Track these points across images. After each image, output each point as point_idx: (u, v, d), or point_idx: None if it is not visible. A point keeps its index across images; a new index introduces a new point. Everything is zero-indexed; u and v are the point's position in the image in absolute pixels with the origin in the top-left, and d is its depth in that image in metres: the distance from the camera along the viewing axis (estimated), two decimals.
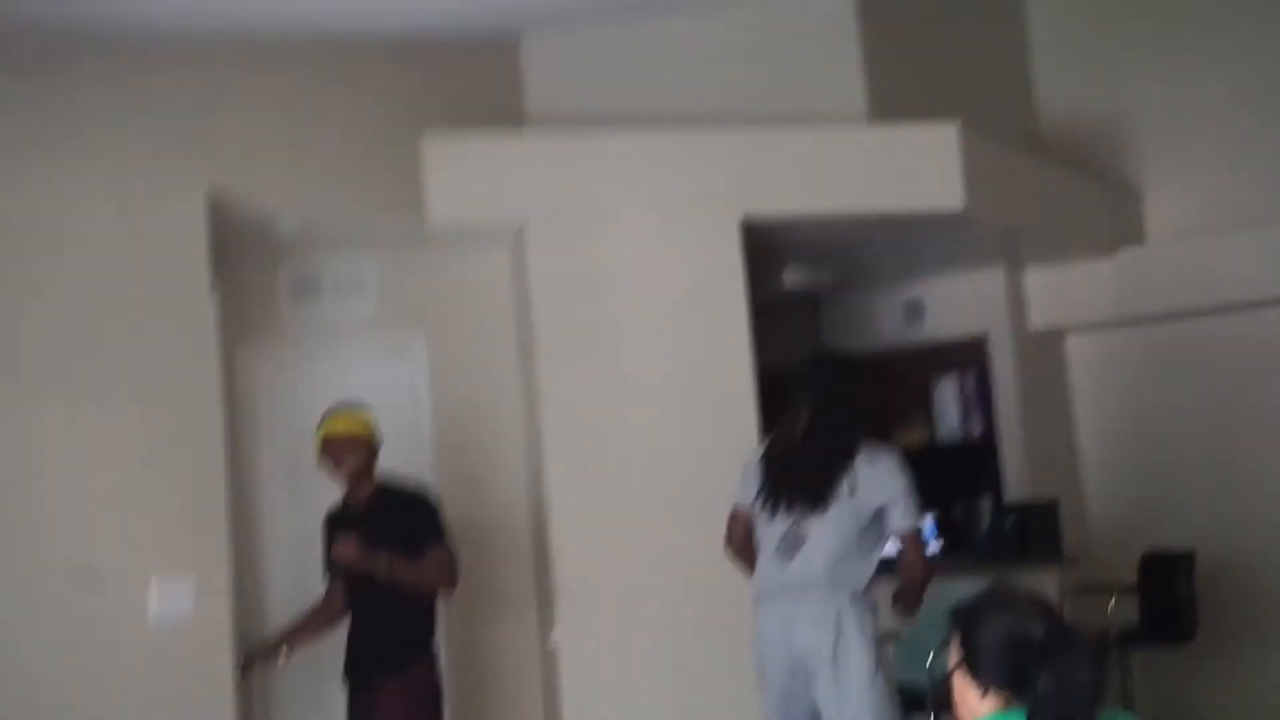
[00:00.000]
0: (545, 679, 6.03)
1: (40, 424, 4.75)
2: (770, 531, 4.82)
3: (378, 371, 6.20)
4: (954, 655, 2.80)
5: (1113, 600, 6.78)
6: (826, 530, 4.74)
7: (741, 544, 4.97)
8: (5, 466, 4.67)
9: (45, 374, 4.80)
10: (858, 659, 4.68)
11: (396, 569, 4.96)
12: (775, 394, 7.84)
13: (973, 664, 2.74)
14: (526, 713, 6.09)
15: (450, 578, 5.09)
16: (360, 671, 5.08)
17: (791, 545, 4.77)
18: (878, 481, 4.80)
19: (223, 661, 5.02)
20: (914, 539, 4.84)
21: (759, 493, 4.87)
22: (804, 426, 4.87)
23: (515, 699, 6.10)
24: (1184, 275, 7.45)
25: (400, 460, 5.44)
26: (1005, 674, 2.69)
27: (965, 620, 2.79)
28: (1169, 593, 6.88)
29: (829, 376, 4.98)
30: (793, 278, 7.30)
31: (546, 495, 5.91)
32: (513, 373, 6.24)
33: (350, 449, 5.11)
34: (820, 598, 4.71)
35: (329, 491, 5.28)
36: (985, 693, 2.72)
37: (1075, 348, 7.99)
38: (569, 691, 5.79)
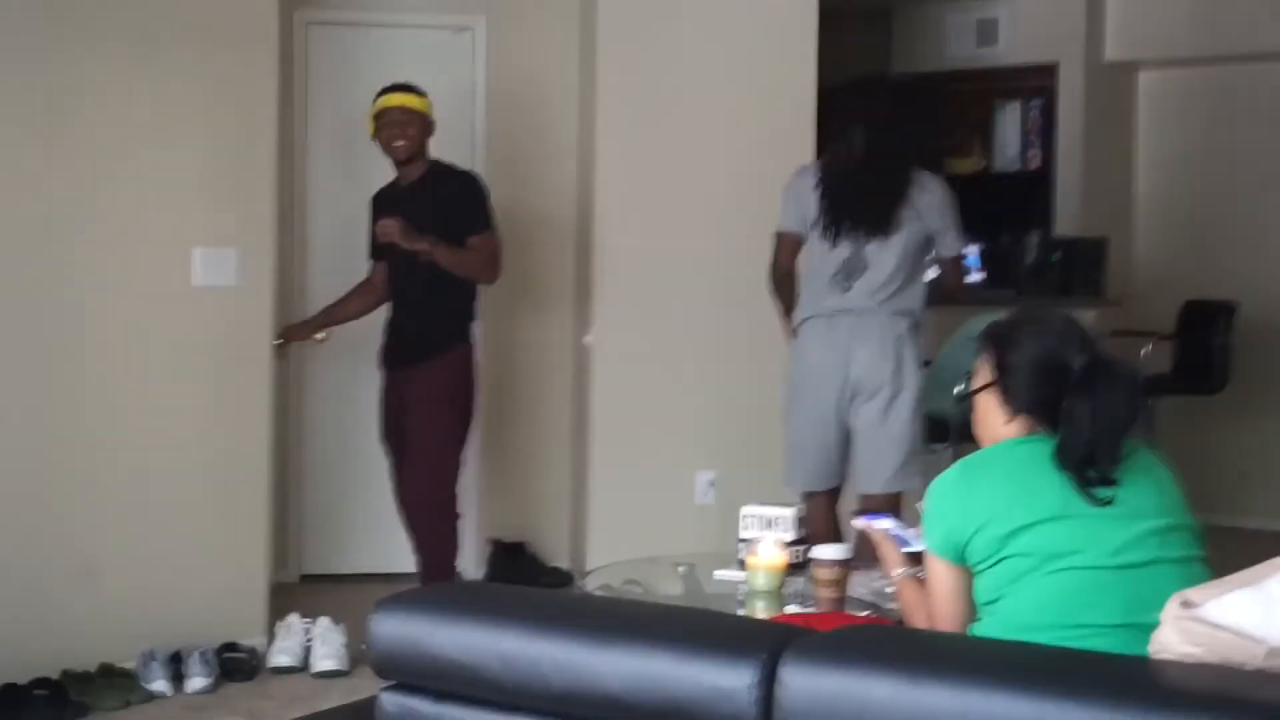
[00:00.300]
0: (577, 374, 6.13)
1: (93, 79, 4.71)
2: (830, 257, 4.84)
3: (437, 53, 6.11)
4: (983, 375, 2.79)
5: (1150, 345, 6.79)
6: (889, 256, 4.81)
7: (790, 269, 4.97)
8: (56, 120, 4.65)
9: (98, 25, 4.73)
10: (910, 386, 4.84)
11: (439, 252, 4.96)
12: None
13: (1004, 386, 2.73)
14: (556, 405, 6.20)
15: (493, 266, 5.10)
16: (398, 353, 5.16)
17: (853, 271, 4.81)
18: (931, 207, 4.87)
19: (263, 329, 5.09)
20: (956, 264, 5.04)
21: (818, 218, 4.85)
22: (860, 151, 4.85)
23: (546, 390, 6.21)
24: (1275, 11, 7.17)
25: (451, 148, 5.41)
26: (1039, 398, 2.68)
27: (999, 340, 2.77)
28: (1206, 342, 6.89)
29: (885, 100, 4.97)
30: None
31: (594, 195, 5.90)
32: (572, 69, 6.14)
33: (407, 122, 5.06)
34: (884, 323, 4.81)
35: (380, 173, 5.26)
36: (1013, 416, 2.73)
37: (1147, 84, 7.79)
38: (598, 388, 5.89)
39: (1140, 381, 2.68)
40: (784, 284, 5.00)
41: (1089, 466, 2.59)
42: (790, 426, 5.01)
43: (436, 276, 5.01)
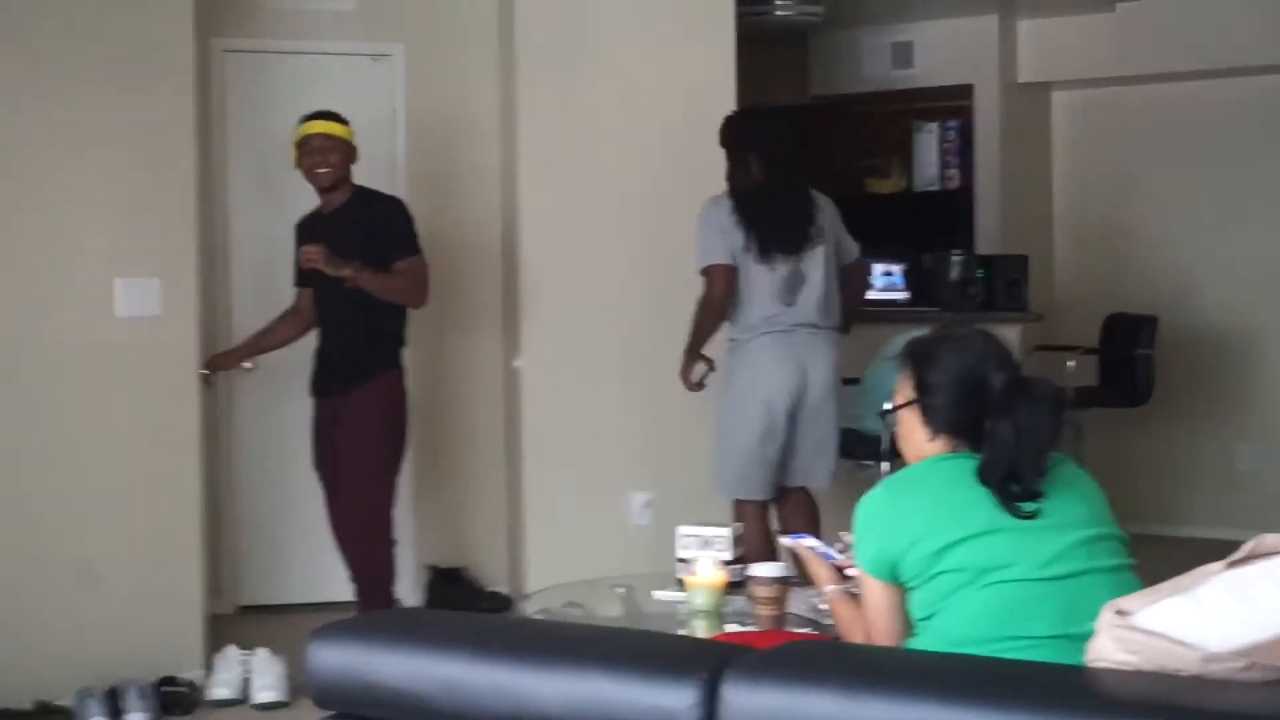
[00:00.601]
0: (508, 397, 6.12)
1: (9, 106, 4.66)
2: (770, 277, 5.09)
3: (356, 81, 6.09)
4: (904, 392, 2.80)
5: (1074, 359, 6.87)
6: (819, 268, 5.15)
7: (730, 298, 5.14)
8: None
9: (15, 53, 4.68)
10: (838, 393, 5.20)
11: (364, 277, 4.93)
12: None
13: (924, 405, 2.74)
14: (488, 428, 6.19)
15: (421, 289, 5.08)
16: (328, 380, 5.13)
17: (794, 286, 5.11)
18: (830, 219, 5.27)
19: (188, 358, 5.05)
20: (860, 268, 5.49)
21: (749, 242, 5.07)
22: (760, 176, 5.13)
23: (479, 414, 6.20)
24: (1182, 34, 7.31)
25: (372, 174, 5.39)
26: (961, 417, 2.70)
27: (919, 359, 2.77)
28: (1129, 355, 6.98)
29: (777, 128, 5.35)
30: (783, 4, 7.16)
31: (518, 218, 5.90)
32: (492, 93, 6.14)
33: (329, 149, 5.04)
34: (826, 334, 5.15)
35: (303, 200, 5.24)
36: (934, 435, 2.74)
37: (1060, 103, 7.91)
38: (529, 411, 5.89)
39: (1063, 398, 2.70)
40: (723, 315, 5.16)
41: (1013, 482, 2.61)
42: (732, 436, 5.15)
43: (363, 302, 4.98)
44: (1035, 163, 7.83)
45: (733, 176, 5.21)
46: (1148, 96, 7.64)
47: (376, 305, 5.01)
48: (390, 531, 5.07)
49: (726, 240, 5.08)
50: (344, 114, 5.16)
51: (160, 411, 4.97)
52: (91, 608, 4.76)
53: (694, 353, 5.18)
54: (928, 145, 7.97)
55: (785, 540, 3.20)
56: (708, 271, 5.12)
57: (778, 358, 5.08)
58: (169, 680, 4.79)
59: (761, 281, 5.09)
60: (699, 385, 5.23)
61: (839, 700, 1.99)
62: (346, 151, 5.08)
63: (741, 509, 5.15)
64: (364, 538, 5.03)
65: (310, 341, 5.25)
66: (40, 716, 4.49)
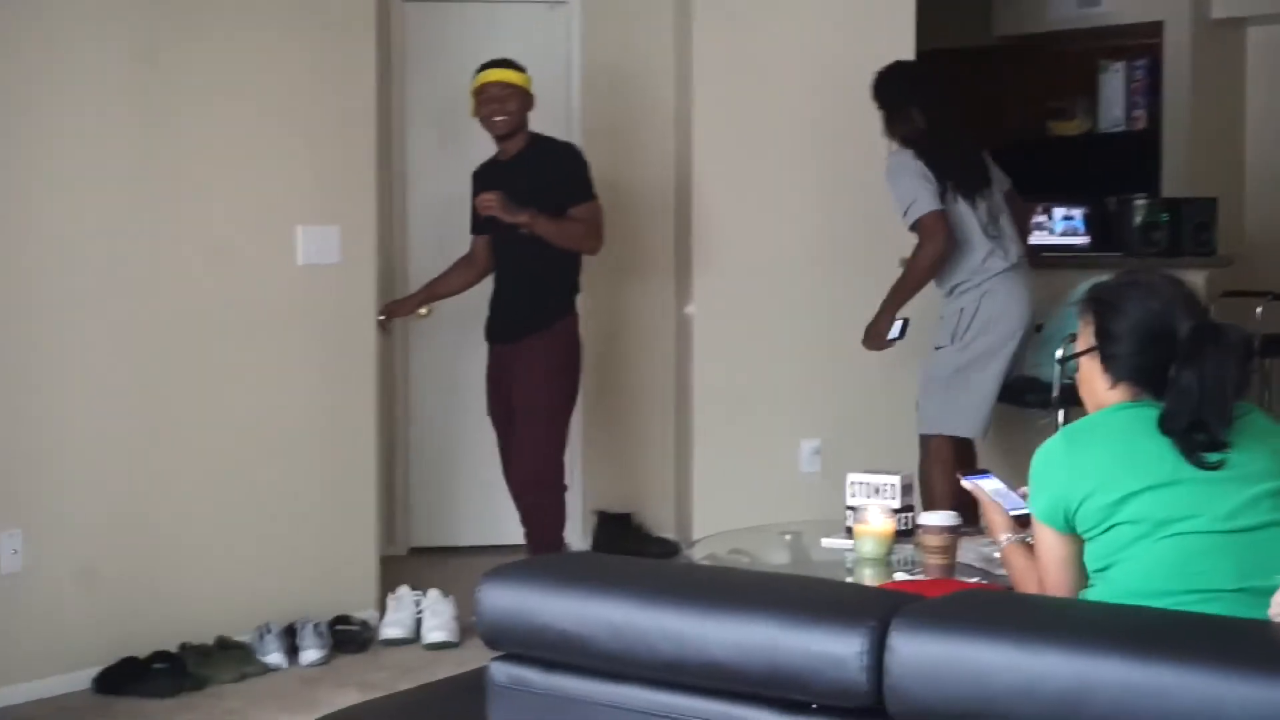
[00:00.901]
0: (679, 345, 6.12)
1: (197, 63, 4.77)
2: (975, 216, 5.17)
3: (532, 29, 6.11)
4: (1084, 339, 2.74)
5: (1261, 306, 6.65)
6: (1000, 203, 5.27)
7: (954, 244, 5.17)
8: (161, 102, 4.71)
9: (202, 11, 4.78)
10: None
11: (540, 224, 4.97)
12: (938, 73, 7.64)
13: (1105, 353, 2.67)
14: (659, 376, 6.21)
15: (596, 235, 5.11)
16: (503, 326, 5.19)
17: (995, 222, 5.21)
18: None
19: (366, 305, 5.15)
20: (1016, 194, 5.50)
21: (949, 186, 5.12)
22: (924, 125, 5.18)
23: (650, 362, 6.22)
24: None
25: (548, 123, 5.42)
26: (1142, 366, 2.63)
27: (1103, 305, 2.70)
28: None
29: (931, 75, 5.47)
30: None
31: (693, 167, 5.89)
32: (667, 42, 6.12)
33: (506, 97, 5.08)
34: (1027, 268, 5.29)
35: (481, 149, 5.28)
36: (1115, 384, 2.68)
37: (1256, 39, 7.61)
38: (700, 358, 5.89)
39: (1252, 345, 2.61)
40: (941, 265, 5.20)
41: (1197, 432, 2.54)
42: (984, 376, 5.20)
43: (539, 249, 5.02)
44: (1227, 102, 7.57)
45: (897, 130, 5.21)
46: None
47: (552, 252, 5.04)
48: (561, 477, 5.12)
49: (931, 186, 5.07)
50: (521, 62, 5.18)
51: (339, 358, 5.07)
52: (271, 548, 4.90)
53: (893, 309, 5.15)
54: (1114, 85, 7.77)
55: (965, 481, 3.13)
56: (923, 222, 5.08)
57: (1013, 295, 5.16)
58: (343, 619, 4.92)
59: (972, 222, 5.14)
60: (890, 343, 5.17)
61: (1009, 651, 1.96)
62: (523, 99, 5.11)
63: (945, 448, 5.18)
64: (536, 483, 5.08)
65: (486, 288, 5.31)
66: (220, 651, 4.64)
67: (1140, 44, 7.68)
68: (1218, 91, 7.51)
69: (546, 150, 5.14)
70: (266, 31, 4.90)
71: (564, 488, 5.14)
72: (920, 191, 5.07)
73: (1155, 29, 7.48)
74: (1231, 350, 2.55)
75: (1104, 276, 2.93)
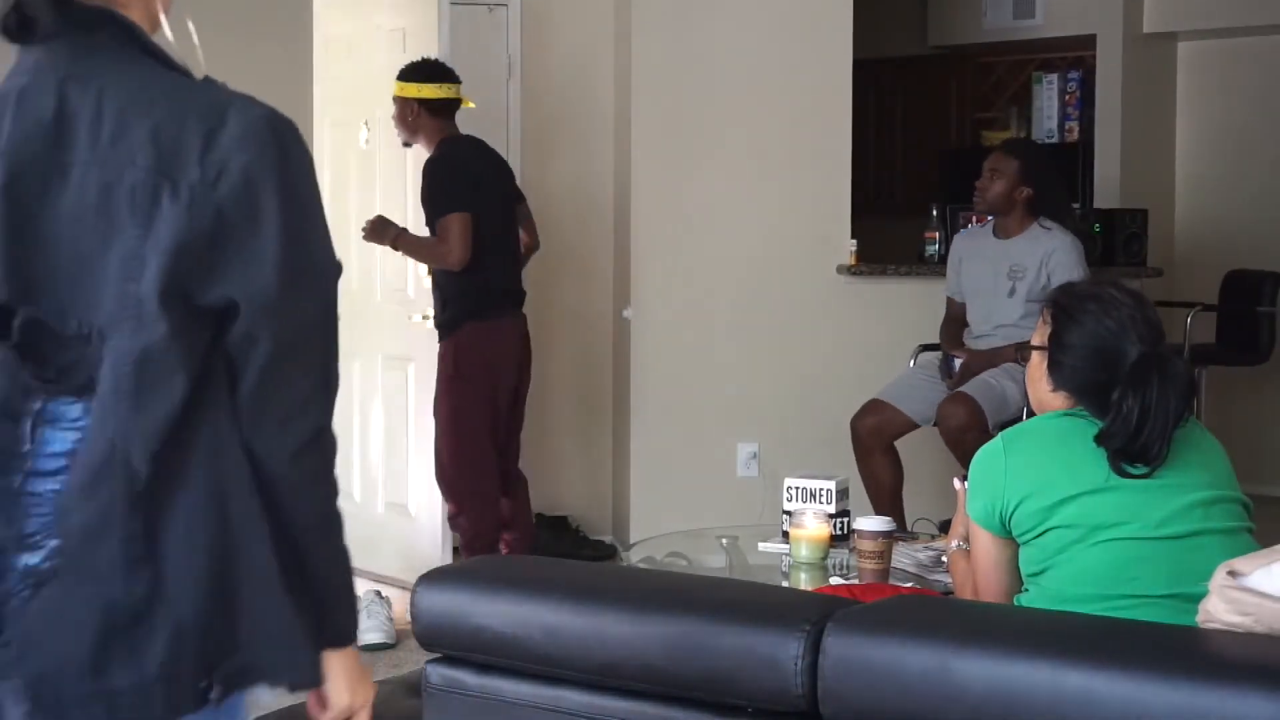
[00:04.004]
0: (617, 348, 6.13)
1: None
2: None
3: (473, 32, 6.08)
4: (1039, 335, 2.75)
5: (1191, 315, 6.74)
6: None
7: None
8: None
9: None
10: None
11: (401, 243, 5.00)
12: (873, 82, 7.70)
13: (1054, 358, 2.69)
14: (597, 379, 6.22)
15: (442, 250, 4.88)
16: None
17: None
18: None
19: None
20: None
21: None
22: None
23: (587, 364, 6.23)
24: None
25: (486, 124, 5.40)
26: (1086, 382, 2.65)
27: (1061, 310, 2.72)
28: (1250, 312, 6.83)
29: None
30: None
31: (631, 168, 5.89)
32: (606, 43, 6.13)
33: (398, 107, 5.02)
34: None
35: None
36: (1057, 389, 2.70)
37: (1186, 54, 7.72)
38: (638, 362, 5.90)
39: (1195, 381, 2.62)
40: None
41: (1132, 450, 2.56)
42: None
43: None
44: (1158, 116, 7.66)
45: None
46: (1275, 47, 7.43)
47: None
48: (471, 485, 5.03)
49: None
50: (455, 65, 5.14)
51: None
52: None
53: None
54: (1048, 97, 7.84)
55: (958, 484, 3.12)
56: None
57: None
58: None
59: None
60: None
61: (942, 655, 1.98)
62: (405, 108, 4.99)
63: None
64: (445, 491, 5.09)
65: None
66: None
67: (1073, 56, 7.77)
68: (1149, 105, 7.60)
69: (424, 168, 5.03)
70: (202, 32, 4.85)
71: (480, 495, 5.04)
72: None
73: (1088, 42, 7.56)
74: (1175, 382, 2.56)
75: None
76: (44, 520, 1.60)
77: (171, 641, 1.60)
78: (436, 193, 4.90)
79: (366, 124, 5.46)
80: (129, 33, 1.66)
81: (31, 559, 1.60)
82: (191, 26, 1.79)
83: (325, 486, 1.69)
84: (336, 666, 1.74)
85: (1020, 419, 5.02)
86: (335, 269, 1.68)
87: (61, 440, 1.61)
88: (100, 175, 1.59)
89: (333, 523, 1.70)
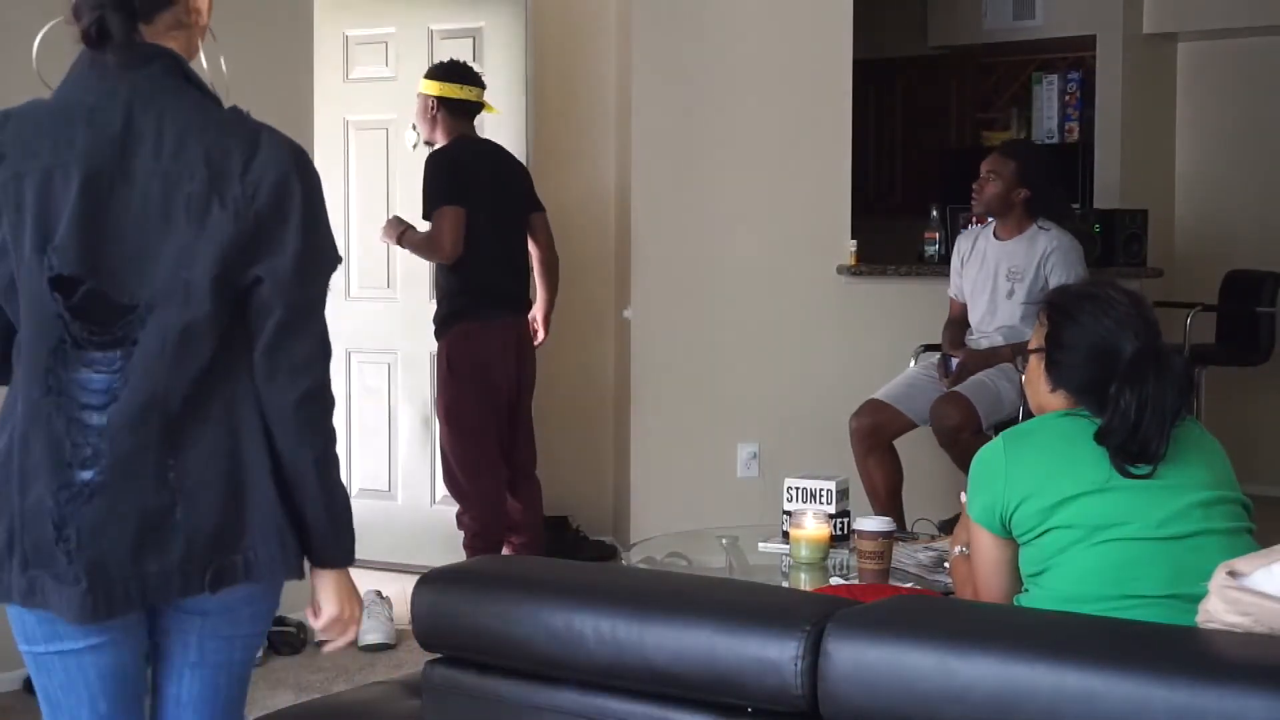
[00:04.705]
0: (618, 348, 6.14)
1: None
2: None
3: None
4: (1037, 338, 2.77)
5: (1190, 315, 6.74)
6: None
7: None
8: None
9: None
10: None
11: (405, 240, 5.07)
12: (873, 82, 7.70)
13: (1052, 358, 2.71)
14: (598, 380, 6.24)
15: (434, 244, 4.96)
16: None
17: None
18: None
19: None
20: None
21: None
22: None
23: (589, 365, 6.26)
24: None
25: (502, 132, 5.43)
26: (1085, 380, 2.66)
27: (1058, 311, 2.73)
28: (1249, 312, 6.84)
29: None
30: None
31: (632, 170, 5.89)
32: (609, 51, 6.14)
33: (419, 108, 5.13)
34: None
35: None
36: (1055, 389, 2.71)
37: (1186, 55, 7.72)
38: (639, 362, 5.90)
39: (1192, 375, 2.63)
40: None
41: (1131, 448, 2.56)
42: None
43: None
44: (1157, 116, 7.67)
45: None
46: (1275, 48, 7.44)
47: (441, 266, 5.08)
48: (468, 485, 5.08)
49: None
50: (448, 66, 5.18)
51: None
52: None
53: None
54: (1048, 97, 7.85)
55: (964, 498, 3.14)
56: None
57: None
58: (278, 621, 4.88)
59: None
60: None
61: (942, 655, 1.98)
62: (426, 105, 5.09)
63: None
64: (449, 488, 5.16)
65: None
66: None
67: (1073, 57, 7.77)
68: (1148, 105, 7.61)
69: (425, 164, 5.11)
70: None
71: (481, 493, 5.07)
72: None
73: (1088, 42, 7.57)
74: (1173, 377, 2.57)
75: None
76: (96, 444, 2.08)
77: (188, 540, 2.11)
78: (431, 186, 4.97)
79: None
80: (177, 64, 2.14)
81: (86, 474, 2.08)
82: (222, 61, 2.26)
83: (323, 431, 2.17)
84: (328, 582, 2.23)
85: (1016, 420, 5.03)
86: (336, 260, 2.18)
87: (102, 380, 2.09)
88: (163, 184, 2.07)
89: (329, 462, 2.17)
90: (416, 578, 2.43)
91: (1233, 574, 2.07)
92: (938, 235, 6.33)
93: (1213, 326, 7.01)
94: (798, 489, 3.87)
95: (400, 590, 5.10)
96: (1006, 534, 2.66)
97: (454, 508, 5.18)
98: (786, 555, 3.67)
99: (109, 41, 2.08)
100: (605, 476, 6.22)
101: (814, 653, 2.04)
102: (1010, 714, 1.91)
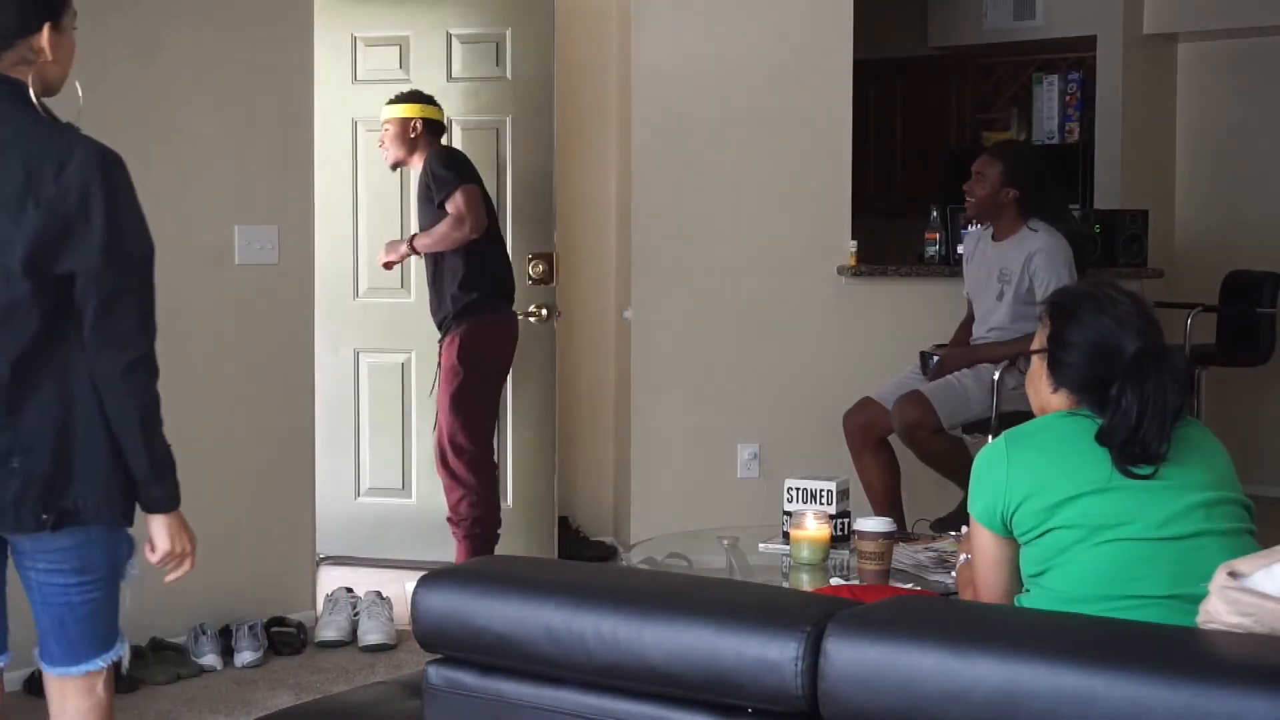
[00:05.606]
0: (618, 348, 6.14)
1: (134, 54, 4.73)
2: None
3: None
4: (1039, 338, 2.78)
5: (1191, 316, 6.74)
6: None
7: None
8: (104, 96, 4.65)
9: (156, 5, 4.74)
10: None
11: (418, 243, 5.19)
12: (873, 82, 7.69)
13: (1054, 357, 2.71)
14: (598, 379, 6.24)
15: (459, 224, 5.09)
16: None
17: None
18: None
19: (304, 303, 5.13)
20: None
21: None
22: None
23: (589, 365, 6.25)
24: None
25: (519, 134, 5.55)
26: (1086, 379, 2.66)
27: (1060, 310, 2.74)
28: (1250, 313, 6.84)
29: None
30: None
31: (632, 168, 5.89)
32: (609, 49, 6.13)
33: (385, 134, 5.31)
34: None
35: None
36: (1057, 389, 2.71)
37: (1186, 55, 7.73)
38: (639, 362, 5.90)
39: (1193, 372, 2.65)
40: None
41: (1133, 448, 2.57)
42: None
43: (433, 260, 5.21)
44: (1158, 116, 7.67)
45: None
46: (1275, 48, 7.44)
47: (443, 264, 5.18)
48: (469, 477, 5.20)
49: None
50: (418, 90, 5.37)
51: (276, 358, 5.04)
52: (207, 549, 4.78)
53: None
54: (1048, 97, 7.85)
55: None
56: None
57: None
58: (279, 621, 4.89)
59: None
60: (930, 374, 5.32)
61: (943, 656, 1.98)
62: (399, 128, 5.26)
63: None
64: (448, 478, 5.23)
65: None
66: (154, 652, 4.60)
67: (1073, 57, 7.77)
68: (1149, 105, 7.61)
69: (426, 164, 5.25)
70: (203, 31, 4.86)
71: (481, 487, 5.21)
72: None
73: (1088, 43, 7.57)
74: (1174, 375, 2.57)
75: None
76: None
77: (23, 483, 2.59)
78: (443, 174, 5.13)
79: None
80: (18, 91, 2.59)
81: None
82: (78, 86, 2.76)
83: (146, 395, 2.62)
84: (159, 523, 2.76)
85: (986, 420, 5.05)
86: (145, 251, 2.63)
87: None
88: None
89: (153, 422, 2.63)
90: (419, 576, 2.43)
91: (1234, 575, 2.07)
92: (938, 236, 6.33)
93: (1213, 327, 7.00)
94: (798, 489, 3.87)
95: (400, 590, 5.11)
96: (1007, 534, 2.66)
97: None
98: (787, 556, 3.67)
99: None
100: (605, 476, 6.23)
101: (814, 653, 2.04)
102: (1011, 714, 1.91)
